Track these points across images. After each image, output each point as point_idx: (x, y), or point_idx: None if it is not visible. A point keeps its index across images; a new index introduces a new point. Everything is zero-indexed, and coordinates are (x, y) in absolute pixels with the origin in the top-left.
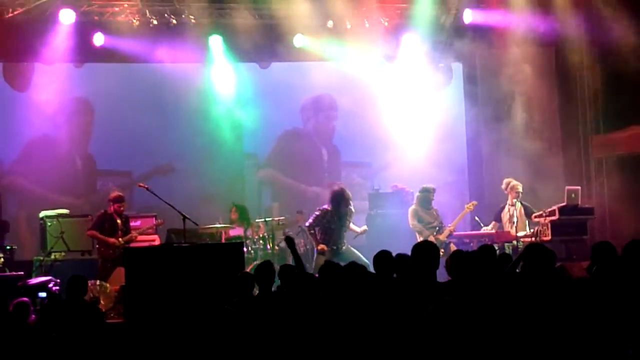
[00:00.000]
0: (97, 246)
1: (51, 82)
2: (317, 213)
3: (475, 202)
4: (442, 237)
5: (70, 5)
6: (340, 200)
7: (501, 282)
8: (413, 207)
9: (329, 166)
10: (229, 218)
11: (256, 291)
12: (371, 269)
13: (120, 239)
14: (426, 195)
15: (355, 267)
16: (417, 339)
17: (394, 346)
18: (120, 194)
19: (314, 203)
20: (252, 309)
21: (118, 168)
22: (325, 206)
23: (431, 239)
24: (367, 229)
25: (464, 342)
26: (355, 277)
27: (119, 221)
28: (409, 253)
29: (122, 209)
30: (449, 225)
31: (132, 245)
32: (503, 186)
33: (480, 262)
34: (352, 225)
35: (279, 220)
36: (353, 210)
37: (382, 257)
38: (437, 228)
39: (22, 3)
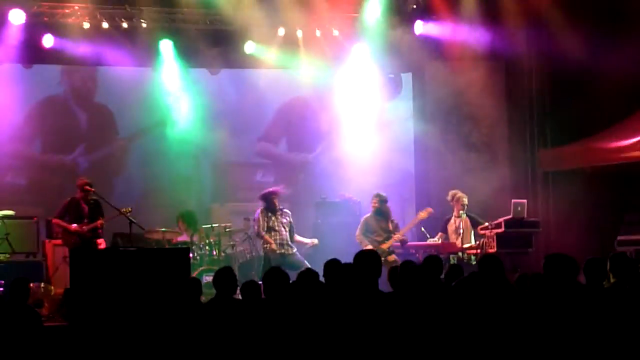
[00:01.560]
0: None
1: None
2: (254, 218)
3: (430, 210)
4: (384, 245)
5: (20, 5)
6: (269, 198)
7: (447, 292)
8: (366, 215)
9: (276, 171)
10: (176, 227)
11: (203, 297)
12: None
13: (84, 227)
14: (380, 204)
15: (305, 273)
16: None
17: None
18: (87, 180)
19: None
20: (199, 315)
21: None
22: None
23: (368, 247)
24: (317, 242)
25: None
26: (302, 284)
27: (85, 207)
28: None
29: (89, 195)
30: (396, 234)
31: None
32: (449, 197)
33: (427, 273)
34: (299, 237)
35: (225, 226)
36: (288, 212)
37: (332, 266)
38: (383, 241)
39: None
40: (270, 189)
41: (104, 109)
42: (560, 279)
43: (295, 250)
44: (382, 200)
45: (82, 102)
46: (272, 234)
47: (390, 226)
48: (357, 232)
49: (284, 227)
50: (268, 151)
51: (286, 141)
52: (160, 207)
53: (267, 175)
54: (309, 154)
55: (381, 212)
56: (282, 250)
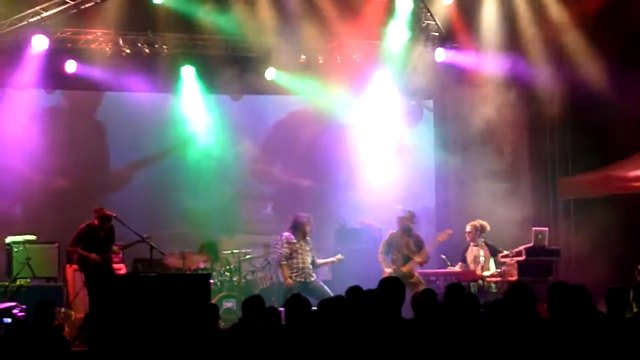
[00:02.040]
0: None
1: (22, 108)
2: (276, 243)
3: (450, 231)
4: (404, 268)
5: (43, 31)
6: (301, 222)
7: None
8: (392, 231)
9: (298, 199)
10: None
11: (222, 323)
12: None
13: (104, 256)
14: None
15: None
16: None
17: None
18: (105, 209)
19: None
20: (217, 341)
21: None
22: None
23: (387, 272)
24: (341, 257)
25: None
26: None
27: (101, 234)
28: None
29: (107, 223)
30: (416, 257)
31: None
32: (468, 228)
33: (450, 300)
34: (321, 260)
35: (245, 252)
36: (309, 241)
37: (353, 293)
38: (406, 260)
39: None
40: (304, 214)
41: (124, 135)
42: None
43: (315, 277)
44: (411, 217)
45: (102, 128)
46: (295, 260)
47: (414, 245)
48: (380, 248)
49: (308, 254)
50: (286, 178)
51: (305, 168)
52: (180, 234)
53: (283, 202)
54: (328, 181)
55: (408, 229)
56: (302, 279)
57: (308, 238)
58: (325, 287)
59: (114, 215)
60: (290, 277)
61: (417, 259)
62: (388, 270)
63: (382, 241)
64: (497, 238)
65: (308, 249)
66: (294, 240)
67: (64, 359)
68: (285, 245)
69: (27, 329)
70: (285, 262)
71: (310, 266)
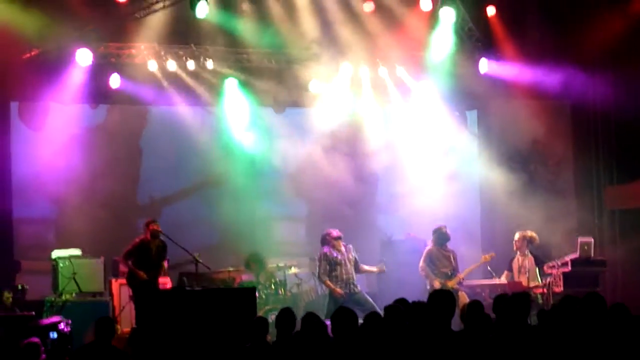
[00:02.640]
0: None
1: (66, 123)
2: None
3: (493, 254)
4: (450, 283)
5: (87, 46)
6: (325, 239)
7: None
8: (429, 247)
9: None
10: (243, 267)
11: (269, 337)
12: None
13: (147, 274)
14: (439, 235)
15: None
16: None
17: None
18: (155, 222)
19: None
20: (265, 354)
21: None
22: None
23: (437, 284)
24: (384, 268)
25: None
26: (369, 325)
27: (152, 249)
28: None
29: (157, 237)
30: (460, 272)
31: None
32: (517, 237)
33: (497, 312)
34: (366, 267)
35: (291, 265)
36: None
37: (395, 309)
38: (449, 274)
39: (40, 44)
40: (326, 231)
41: (168, 149)
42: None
43: (359, 288)
44: (442, 233)
45: (146, 142)
46: (336, 273)
47: (452, 257)
48: (421, 263)
49: (349, 263)
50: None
51: (351, 179)
52: (226, 248)
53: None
54: (373, 193)
55: (442, 243)
56: (347, 290)
57: (349, 246)
58: (370, 300)
59: (161, 231)
60: (334, 291)
61: (461, 275)
62: (437, 284)
63: (422, 257)
64: (542, 248)
65: (350, 257)
66: (334, 254)
67: None
68: (322, 261)
69: (73, 344)
70: (326, 277)
71: (354, 277)
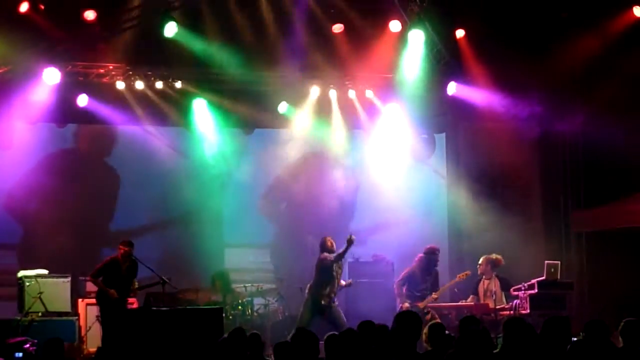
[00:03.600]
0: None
1: (33, 142)
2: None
3: (468, 272)
4: (421, 305)
5: (55, 65)
6: (324, 245)
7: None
8: (412, 268)
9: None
10: (209, 287)
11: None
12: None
13: (117, 294)
14: (431, 259)
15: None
16: None
17: None
18: (128, 241)
19: (295, 266)
20: None
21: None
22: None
23: (406, 306)
24: (352, 282)
25: None
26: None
27: (123, 267)
28: (387, 322)
29: (128, 256)
30: (434, 293)
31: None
32: (481, 261)
33: (464, 333)
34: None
35: (258, 286)
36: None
37: (365, 328)
38: (423, 296)
39: (6, 62)
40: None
41: (135, 169)
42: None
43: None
44: (432, 253)
45: (113, 162)
46: (331, 284)
47: (430, 283)
48: (397, 280)
49: (339, 277)
50: (296, 215)
51: (315, 201)
52: (193, 270)
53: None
54: (342, 214)
55: (428, 266)
56: (331, 303)
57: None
58: (343, 316)
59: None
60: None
61: (434, 295)
62: (406, 305)
63: (401, 275)
64: (509, 271)
65: (339, 271)
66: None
67: None
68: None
69: None
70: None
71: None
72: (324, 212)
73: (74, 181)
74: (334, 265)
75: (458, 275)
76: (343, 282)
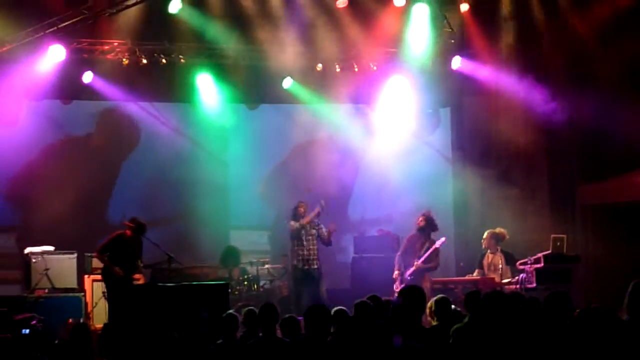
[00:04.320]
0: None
1: (39, 119)
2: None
3: (443, 239)
4: (407, 273)
5: (60, 42)
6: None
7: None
8: (412, 234)
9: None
10: (216, 264)
11: (240, 333)
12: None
13: (122, 271)
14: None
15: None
16: None
17: None
18: (141, 220)
19: None
20: (235, 350)
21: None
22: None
23: (395, 274)
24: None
25: None
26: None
27: (130, 245)
28: (392, 296)
29: (138, 235)
30: (416, 261)
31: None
32: (485, 236)
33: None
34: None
35: (264, 261)
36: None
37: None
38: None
39: (12, 39)
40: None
41: (140, 144)
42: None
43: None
44: (428, 219)
45: (118, 137)
46: (303, 248)
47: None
48: (398, 253)
49: (314, 239)
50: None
51: (324, 174)
52: (199, 246)
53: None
54: (348, 189)
55: (424, 231)
56: (306, 267)
57: (309, 224)
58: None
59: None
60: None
61: (418, 264)
62: (395, 274)
63: (401, 248)
64: (515, 245)
65: (314, 232)
66: (297, 225)
67: None
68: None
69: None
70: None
71: (316, 253)
72: (324, 195)
73: (79, 158)
74: (302, 230)
75: (435, 242)
76: (324, 230)
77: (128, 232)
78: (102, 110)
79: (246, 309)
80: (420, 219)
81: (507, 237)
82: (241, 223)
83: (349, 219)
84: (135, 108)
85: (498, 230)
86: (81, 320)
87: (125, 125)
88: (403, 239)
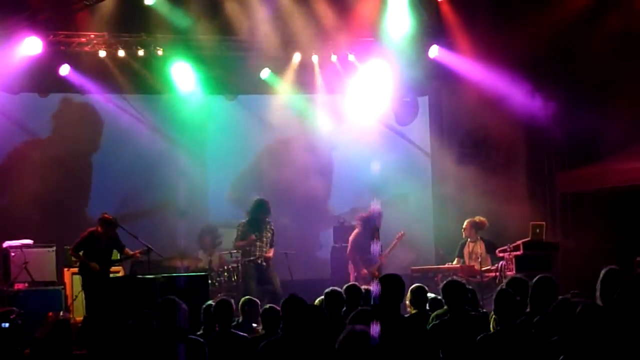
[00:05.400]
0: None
1: (15, 112)
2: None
3: (400, 233)
4: (373, 269)
5: (36, 34)
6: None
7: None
8: (358, 231)
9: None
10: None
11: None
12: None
13: (99, 266)
14: (371, 223)
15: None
16: None
17: None
18: (111, 217)
19: (280, 233)
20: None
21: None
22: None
23: (364, 273)
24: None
25: None
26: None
27: (103, 242)
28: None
29: (110, 231)
30: (381, 257)
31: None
32: (465, 225)
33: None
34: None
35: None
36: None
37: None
38: (373, 260)
39: None
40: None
41: (118, 137)
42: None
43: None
44: (370, 219)
45: (97, 130)
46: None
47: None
48: (349, 249)
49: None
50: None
51: (302, 163)
52: (179, 238)
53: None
54: (325, 179)
55: (370, 230)
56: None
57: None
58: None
59: (116, 222)
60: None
61: (382, 259)
62: (364, 272)
63: (350, 243)
64: (494, 233)
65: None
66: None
67: None
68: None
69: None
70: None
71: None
72: (297, 196)
73: (57, 150)
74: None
75: (396, 237)
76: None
77: (99, 228)
78: (79, 103)
79: (206, 304)
80: (360, 221)
81: (487, 225)
82: (219, 218)
83: (326, 207)
84: (112, 100)
85: (478, 218)
86: (61, 314)
87: (102, 118)
88: (386, 231)
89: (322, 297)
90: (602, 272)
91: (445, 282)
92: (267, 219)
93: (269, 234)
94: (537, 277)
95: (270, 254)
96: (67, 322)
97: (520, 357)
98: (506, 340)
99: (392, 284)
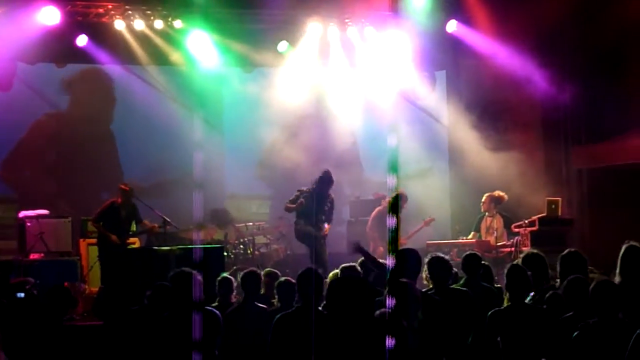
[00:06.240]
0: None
1: (34, 82)
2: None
3: (433, 218)
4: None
5: (54, 3)
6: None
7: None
8: (381, 208)
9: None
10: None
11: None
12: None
13: (118, 239)
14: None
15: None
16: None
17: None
18: (129, 186)
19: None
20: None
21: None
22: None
23: (381, 250)
24: None
25: None
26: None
27: (123, 213)
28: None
29: (129, 200)
30: (402, 238)
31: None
32: (484, 199)
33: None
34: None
35: (259, 225)
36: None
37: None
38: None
39: (5, 2)
40: None
41: (135, 108)
42: None
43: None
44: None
45: (113, 102)
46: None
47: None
48: (370, 224)
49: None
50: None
51: (319, 137)
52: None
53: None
54: (343, 152)
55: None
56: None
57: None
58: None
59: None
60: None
61: (403, 241)
62: (381, 249)
63: (372, 218)
64: (510, 207)
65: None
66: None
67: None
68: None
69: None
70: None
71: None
72: (326, 150)
73: (74, 121)
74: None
75: (424, 221)
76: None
77: (119, 199)
78: (96, 74)
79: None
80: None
81: (506, 199)
82: (237, 191)
83: (343, 181)
84: (130, 71)
85: (497, 193)
86: (76, 284)
87: (120, 90)
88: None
89: (338, 270)
90: (623, 248)
91: (465, 254)
92: (329, 193)
93: (326, 208)
94: (565, 251)
95: (326, 231)
96: (65, 289)
97: (531, 332)
98: (517, 316)
99: (409, 257)
